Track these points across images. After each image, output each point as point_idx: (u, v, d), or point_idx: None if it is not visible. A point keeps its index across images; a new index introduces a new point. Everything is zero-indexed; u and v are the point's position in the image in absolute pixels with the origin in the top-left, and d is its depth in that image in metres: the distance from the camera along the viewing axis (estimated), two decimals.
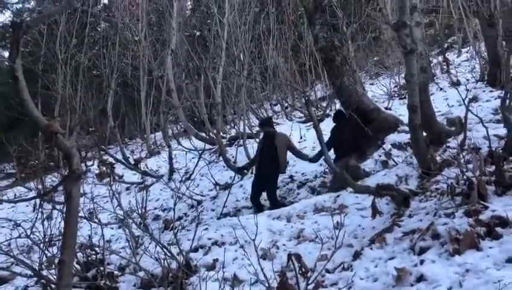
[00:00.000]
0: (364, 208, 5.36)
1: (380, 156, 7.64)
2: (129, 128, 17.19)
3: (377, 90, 13.34)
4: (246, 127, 11.47)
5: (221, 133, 12.07)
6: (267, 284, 3.43)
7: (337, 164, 7.32)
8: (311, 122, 8.64)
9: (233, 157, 10.93)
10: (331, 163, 5.79)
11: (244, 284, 4.04)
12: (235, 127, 13.67)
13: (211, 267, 4.73)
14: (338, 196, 5.94)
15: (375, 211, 4.81)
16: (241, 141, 10.88)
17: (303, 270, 3.72)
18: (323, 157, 5.86)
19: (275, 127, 8.71)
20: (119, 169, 12.31)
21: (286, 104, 15.55)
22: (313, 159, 7.92)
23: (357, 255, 4.22)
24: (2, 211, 9.63)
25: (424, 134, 5.71)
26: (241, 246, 5.02)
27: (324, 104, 13.84)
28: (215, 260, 4.83)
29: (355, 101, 7.89)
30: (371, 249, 4.26)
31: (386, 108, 10.26)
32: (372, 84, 15.20)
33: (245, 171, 9.08)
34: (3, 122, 15.47)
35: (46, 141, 3.31)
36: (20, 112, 14.52)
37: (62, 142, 3.33)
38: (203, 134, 12.92)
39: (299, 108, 14.66)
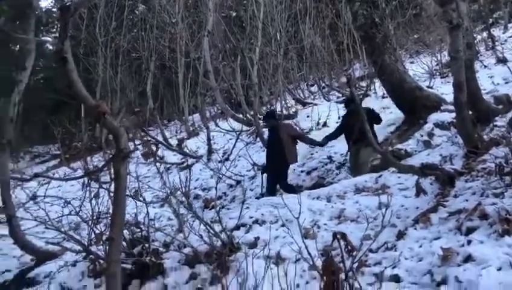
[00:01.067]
0: (407, 188, 5.28)
1: (422, 135, 7.47)
2: (168, 110, 17.45)
3: (418, 69, 12.96)
4: (283, 108, 11.45)
5: (258, 114, 12.10)
6: (311, 262, 3.45)
7: (349, 151, 7.25)
8: None
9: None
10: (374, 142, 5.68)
11: (287, 262, 4.07)
12: (272, 107, 13.66)
13: (252, 245, 4.78)
14: (380, 176, 5.86)
15: (420, 191, 4.73)
16: (286, 121, 10.87)
17: (349, 248, 3.72)
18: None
19: (278, 119, 8.51)
20: (159, 150, 12.57)
21: (323, 85, 15.37)
22: (321, 143, 7.86)
23: (400, 235, 4.18)
24: (49, 190, 10.03)
25: (470, 112, 5.54)
26: (282, 225, 5.07)
27: (363, 84, 13.59)
28: (257, 238, 4.88)
29: (397, 79, 7.71)
30: (415, 229, 4.20)
31: (428, 87, 9.98)
32: (412, 62, 14.78)
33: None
34: (48, 106, 16.02)
35: (95, 121, 3.42)
36: (63, 95, 15.06)
37: (110, 122, 3.41)
38: (240, 115, 12.99)
39: (336, 88, 14.46)
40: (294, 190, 7.25)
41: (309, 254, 3.38)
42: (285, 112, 11.50)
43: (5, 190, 7.98)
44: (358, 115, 7.11)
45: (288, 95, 14.16)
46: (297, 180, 8.29)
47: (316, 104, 12.54)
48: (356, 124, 7.06)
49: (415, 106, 7.70)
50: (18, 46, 12.43)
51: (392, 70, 7.80)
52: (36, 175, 5.58)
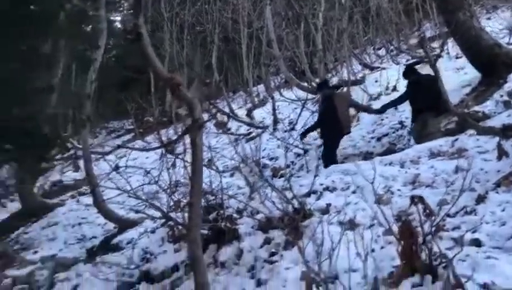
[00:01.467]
0: (486, 151, 5.02)
1: (502, 96, 7.00)
2: (232, 82, 17.65)
3: (495, 25, 12.05)
4: (350, 73, 11.17)
5: None
6: (387, 227, 3.43)
7: (417, 120, 6.90)
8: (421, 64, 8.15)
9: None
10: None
11: (361, 228, 4.07)
12: (337, 74, 13.38)
13: (324, 211, 4.82)
14: (456, 140, 5.62)
15: (502, 153, 4.48)
16: (345, 88, 10.65)
17: (427, 212, 3.63)
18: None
19: (332, 88, 8.15)
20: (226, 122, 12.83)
21: (391, 47, 14.75)
22: (379, 111, 7.61)
23: (480, 199, 4.01)
24: (127, 162, 10.62)
25: None
26: (354, 191, 5.05)
27: (434, 45, 12.88)
28: (328, 205, 4.91)
29: (473, 36, 7.24)
30: (497, 192, 4.02)
31: (508, 43, 9.28)
32: (489, 18, 13.75)
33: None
34: (120, 82, 16.76)
35: (170, 92, 3.57)
36: (134, 72, 15.71)
37: (184, 94, 3.53)
38: (305, 84, 12.85)
39: (405, 50, 13.83)
40: (335, 162, 7.10)
41: (385, 218, 3.35)
42: (352, 78, 11.21)
43: (87, 163, 8.58)
44: (422, 85, 6.79)
45: (355, 60, 13.77)
46: (367, 147, 8.15)
47: (384, 68, 12.12)
48: (422, 94, 6.76)
49: (494, 64, 7.20)
50: (90, 25, 13.07)
51: (468, 27, 7.31)
52: (119, 146, 5.93)
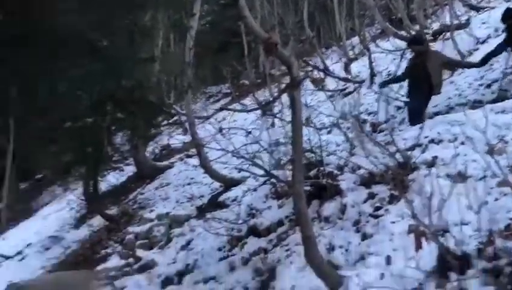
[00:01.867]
0: None
1: None
2: (325, 37, 17.21)
3: None
4: (453, 18, 10.30)
5: (424, 29, 11.15)
6: (501, 177, 3.23)
7: None
8: None
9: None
10: None
11: (471, 180, 3.87)
12: (438, 19, 12.41)
13: (430, 164, 4.64)
14: None
15: None
16: (448, 34, 9.87)
17: None
18: None
19: (427, 43, 7.38)
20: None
21: None
22: (479, 64, 6.91)
23: None
24: (227, 124, 11.04)
25: None
26: (462, 143, 4.78)
27: None
28: (435, 157, 4.71)
29: None
30: None
31: None
32: None
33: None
34: (215, 47, 17.19)
35: (267, 52, 3.62)
36: (228, 36, 16.02)
37: (282, 53, 3.56)
38: (403, 32, 12.13)
39: None
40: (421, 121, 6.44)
41: (500, 168, 3.15)
42: (455, 22, 10.34)
43: (192, 127, 9.08)
44: None
45: (458, 2, 12.63)
46: (476, 95, 7.57)
47: (492, 8, 10.98)
48: None
49: None
50: None
51: None
52: (221, 109, 6.19)
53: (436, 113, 7.51)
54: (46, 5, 5.71)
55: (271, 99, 5.38)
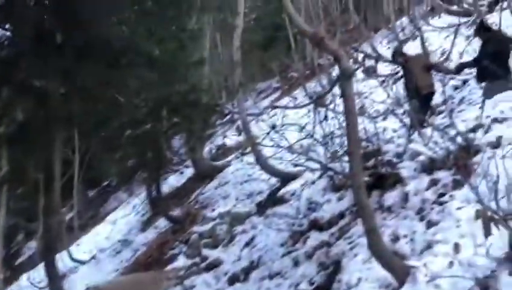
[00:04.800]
0: None
1: None
2: (372, 21, 16.79)
3: None
4: None
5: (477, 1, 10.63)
6: None
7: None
8: None
9: (496, 25, 9.55)
10: None
11: None
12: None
13: (495, 145, 4.44)
14: None
15: None
16: (505, 3, 9.34)
17: None
18: None
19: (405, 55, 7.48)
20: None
21: None
22: (454, 72, 7.07)
23: None
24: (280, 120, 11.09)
25: None
26: None
27: None
28: (499, 137, 4.50)
29: None
30: None
31: None
32: None
33: None
34: (261, 43, 17.25)
35: (315, 46, 3.63)
36: (274, 31, 16.05)
37: (329, 46, 3.55)
38: (454, 7, 11.62)
39: None
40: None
41: None
42: None
43: (245, 125, 9.21)
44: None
45: None
46: None
47: None
48: None
49: None
50: None
51: None
52: (274, 107, 6.22)
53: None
54: (101, 19, 5.99)
55: (322, 92, 5.34)
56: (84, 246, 13.73)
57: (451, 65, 8.23)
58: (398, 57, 7.57)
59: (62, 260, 11.30)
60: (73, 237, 14.41)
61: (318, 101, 5.12)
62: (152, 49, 6.45)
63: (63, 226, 13.10)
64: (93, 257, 12.35)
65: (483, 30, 6.66)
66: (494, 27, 8.98)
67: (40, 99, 6.78)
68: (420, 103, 6.83)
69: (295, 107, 6.36)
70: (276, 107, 7.92)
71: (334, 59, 3.61)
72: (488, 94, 6.17)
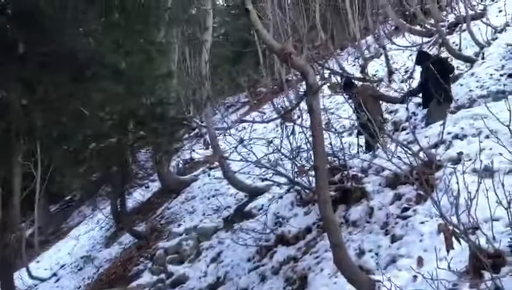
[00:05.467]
0: None
1: None
2: (339, 38, 17.19)
3: None
4: (468, 8, 10.18)
5: (439, 22, 11.03)
6: None
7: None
8: None
9: (456, 45, 9.96)
10: None
11: (500, 174, 3.80)
12: (453, 11, 12.26)
13: (456, 161, 4.58)
14: None
15: None
16: (464, 25, 9.76)
17: None
18: None
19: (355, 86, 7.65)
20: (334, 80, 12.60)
21: None
22: (402, 100, 7.34)
23: None
24: (246, 134, 11.13)
25: None
26: (487, 137, 4.71)
27: None
28: (460, 153, 4.65)
29: None
30: None
31: None
32: None
33: None
34: (230, 58, 17.34)
35: (282, 62, 3.65)
36: (241, 47, 16.20)
37: (296, 62, 3.59)
38: (417, 27, 12.02)
39: None
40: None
41: None
42: (470, 12, 10.21)
43: (213, 139, 9.17)
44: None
45: None
46: (497, 86, 7.43)
47: None
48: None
49: None
50: (196, 8, 13.65)
51: None
52: (242, 121, 6.23)
53: (458, 108, 7.41)
54: (65, 31, 5.85)
55: (289, 107, 5.39)
56: (45, 262, 13.23)
57: (412, 84, 8.49)
58: (348, 88, 7.57)
59: (21, 278, 10.87)
60: (34, 254, 13.88)
61: (286, 115, 5.16)
62: (119, 62, 6.34)
63: (22, 243, 12.60)
64: (54, 274, 11.92)
65: (423, 58, 7.03)
66: (453, 47, 9.39)
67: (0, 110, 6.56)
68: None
69: (263, 121, 6.40)
70: (244, 121, 7.95)
71: (301, 75, 3.64)
72: (430, 120, 6.46)
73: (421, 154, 4.68)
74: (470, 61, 8.74)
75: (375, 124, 5.85)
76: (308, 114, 3.63)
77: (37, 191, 13.76)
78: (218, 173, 10.38)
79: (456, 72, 8.48)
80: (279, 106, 9.82)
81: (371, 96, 7.18)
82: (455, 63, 8.85)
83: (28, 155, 12.56)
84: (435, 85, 6.13)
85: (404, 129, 8.07)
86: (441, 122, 5.29)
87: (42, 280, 11.87)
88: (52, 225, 17.26)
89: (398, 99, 7.70)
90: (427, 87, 6.54)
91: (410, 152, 4.60)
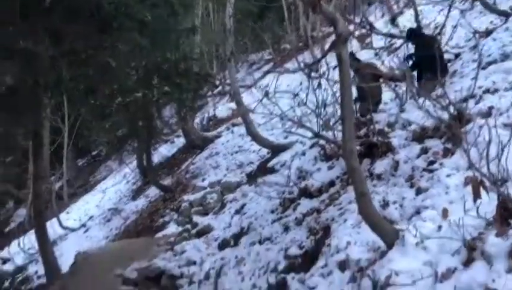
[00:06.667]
0: None
1: None
2: None
3: None
4: None
5: None
6: None
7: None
8: None
9: None
10: None
11: None
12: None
13: (486, 114, 4.48)
14: None
15: None
16: None
17: None
18: None
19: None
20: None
21: None
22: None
23: None
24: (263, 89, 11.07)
25: None
26: None
27: None
28: (490, 108, 4.55)
29: None
30: None
31: None
32: None
33: None
34: (254, 13, 16.97)
35: (311, 9, 3.53)
36: (268, 1, 15.78)
37: (326, 9, 3.50)
38: None
39: None
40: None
41: None
42: None
43: (236, 95, 9.16)
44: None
45: None
46: None
47: None
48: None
49: None
50: None
51: None
52: (267, 72, 6.17)
53: (490, 63, 7.18)
54: None
55: (316, 59, 5.30)
56: (74, 214, 13.76)
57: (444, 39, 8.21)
58: (352, 62, 7.41)
59: (52, 227, 11.35)
60: (63, 205, 14.42)
61: (312, 68, 5.08)
62: (144, 14, 6.29)
63: (52, 194, 13.10)
64: (83, 225, 12.41)
65: (414, 35, 6.82)
66: (488, 0, 8.97)
67: (27, 64, 6.65)
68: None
69: (288, 71, 6.32)
70: (269, 72, 7.87)
71: (330, 23, 3.56)
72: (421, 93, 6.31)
73: (451, 108, 4.59)
74: (504, 15, 8.35)
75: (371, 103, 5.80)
76: (334, 70, 3.58)
77: (65, 145, 14.14)
78: (242, 130, 10.43)
79: (490, 26, 8.17)
80: (304, 62, 9.65)
81: (372, 74, 7.05)
82: (490, 17, 8.51)
83: (56, 109, 12.85)
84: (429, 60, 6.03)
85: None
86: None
87: (72, 230, 12.38)
88: (80, 179, 17.81)
89: (398, 76, 7.48)
90: (419, 62, 6.52)
91: (439, 106, 4.51)
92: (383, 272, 3.16)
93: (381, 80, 7.33)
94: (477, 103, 4.84)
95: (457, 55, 8.25)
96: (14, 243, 12.44)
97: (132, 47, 6.66)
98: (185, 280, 6.16)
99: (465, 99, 4.93)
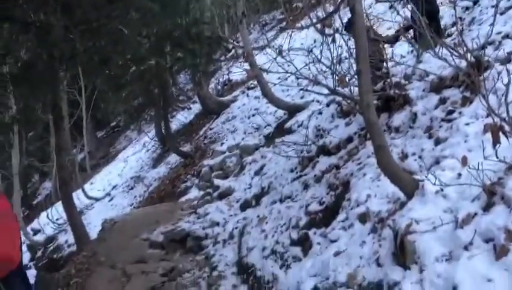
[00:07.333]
0: None
1: None
2: None
3: None
4: None
5: None
6: None
7: None
8: None
9: None
10: None
11: None
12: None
13: (505, 61, 4.38)
14: None
15: None
16: None
17: None
18: None
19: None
20: None
21: None
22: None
23: None
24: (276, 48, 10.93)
25: None
26: None
27: None
28: (510, 53, 4.44)
29: None
30: None
31: None
32: None
33: None
34: None
35: None
36: None
37: None
38: None
39: None
40: None
41: None
42: None
43: (249, 57, 9.09)
44: None
45: None
46: None
47: None
48: None
49: None
50: None
51: None
52: (282, 28, 6.07)
53: (509, 8, 6.95)
54: None
55: (330, 11, 5.18)
56: (98, 184, 14.13)
57: None
58: (350, 27, 7.21)
59: (78, 198, 11.70)
60: (87, 177, 14.80)
61: (325, 23, 4.99)
62: None
63: (75, 166, 13.42)
64: (107, 194, 12.75)
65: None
66: None
67: (42, 37, 6.70)
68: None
69: (302, 27, 6.22)
70: (283, 28, 7.74)
71: None
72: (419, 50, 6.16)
73: (468, 56, 4.49)
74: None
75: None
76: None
77: (84, 117, 14.36)
78: (257, 93, 10.41)
79: None
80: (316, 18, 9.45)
81: (371, 38, 6.86)
82: None
83: (73, 82, 12.99)
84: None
85: (449, 35, 7.69)
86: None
87: (97, 200, 12.74)
88: (101, 150, 18.16)
89: (391, 39, 7.27)
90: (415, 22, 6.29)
91: (456, 54, 4.42)
92: (403, 221, 3.20)
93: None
94: (496, 49, 4.71)
95: (475, 2, 7.99)
96: (43, 215, 12.90)
97: (143, 14, 6.62)
98: (210, 241, 6.35)
99: (483, 46, 4.82)
